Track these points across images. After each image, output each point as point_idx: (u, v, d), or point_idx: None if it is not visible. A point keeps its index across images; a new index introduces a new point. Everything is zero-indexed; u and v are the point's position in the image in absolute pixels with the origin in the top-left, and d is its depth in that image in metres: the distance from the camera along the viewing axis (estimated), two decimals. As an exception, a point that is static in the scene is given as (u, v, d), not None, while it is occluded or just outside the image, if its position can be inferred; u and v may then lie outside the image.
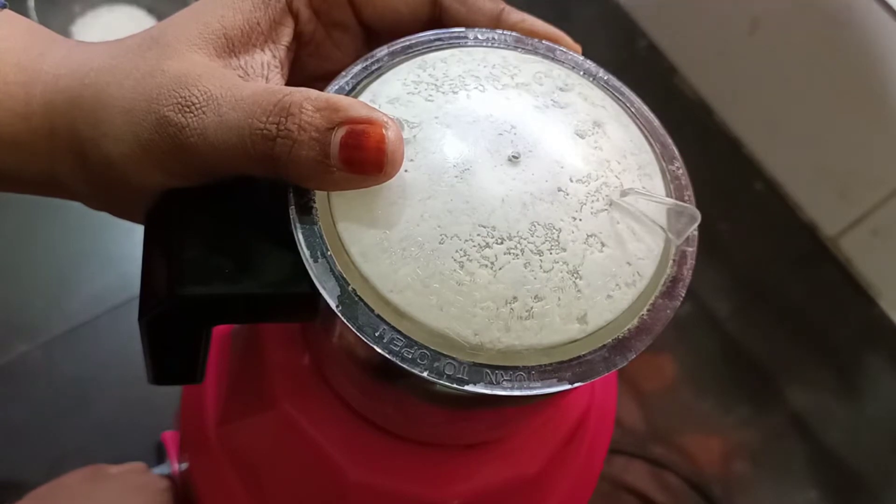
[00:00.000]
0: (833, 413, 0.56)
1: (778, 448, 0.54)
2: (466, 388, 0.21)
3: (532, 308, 0.21)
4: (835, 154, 0.59)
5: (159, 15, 0.59)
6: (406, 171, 0.22)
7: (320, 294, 0.22)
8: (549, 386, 0.22)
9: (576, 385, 0.22)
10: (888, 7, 0.50)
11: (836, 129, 0.58)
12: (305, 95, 0.21)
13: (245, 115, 0.21)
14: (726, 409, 0.55)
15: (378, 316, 0.21)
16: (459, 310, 0.21)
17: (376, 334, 0.21)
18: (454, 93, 0.23)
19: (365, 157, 0.21)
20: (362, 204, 0.22)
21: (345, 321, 0.21)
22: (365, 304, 0.21)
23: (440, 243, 0.21)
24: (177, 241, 0.24)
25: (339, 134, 0.20)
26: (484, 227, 0.21)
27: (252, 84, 0.22)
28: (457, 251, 0.21)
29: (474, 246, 0.21)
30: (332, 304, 0.21)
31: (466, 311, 0.21)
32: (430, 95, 0.23)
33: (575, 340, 0.22)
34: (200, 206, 0.25)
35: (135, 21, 0.59)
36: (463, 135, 0.23)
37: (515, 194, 0.22)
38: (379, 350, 0.21)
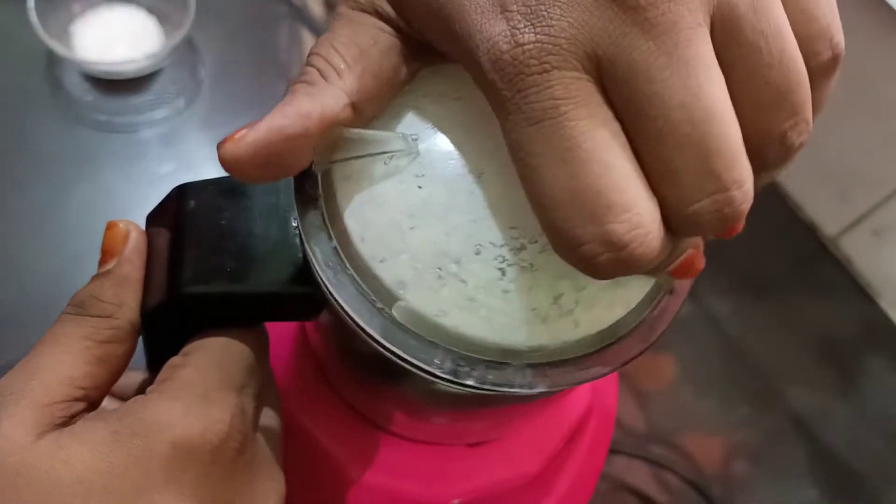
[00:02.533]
0: (833, 413, 0.56)
1: (778, 448, 0.54)
2: (534, 391, 0.21)
3: (577, 299, 0.21)
4: (835, 154, 0.59)
5: (159, 15, 0.59)
6: (420, 187, 0.21)
7: (362, 329, 0.21)
8: (600, 372, 0.21)
9: (624, 365, 0.22)
10: (888, 7, 0.50)
11: (835, 130, 0.58)
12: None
13: None
14: (726, 409, 0.55)
15: (430, 342, 0.21)
16: (509, 317, 0.21)
17: (435, 361, 0.21)
18: (452, 99, 0.23)
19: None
20: (385, 234, 0.21)
21: (394, 354, 0.21)
22: (413, 332, 0.21)
23: (477, 254, 0.21)
24: (177, 240, 0.24)
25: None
26: (514, 228, 0.21)
27: None
28: (495, 259, 0.20)
29: (511, 250, 0.20)
30: (379, 338, 0.21)
31: (516, 317, 0.21)
32: (422, 105, 0.22)
33: (618, 322, 0.22)
34: (201, 206, 0.25)
35: (135, 21, 0.59)
36: (467, 139, 0.22)
37: None
38: (441, 375, 0.20)
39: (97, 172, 0.55)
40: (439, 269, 0.20)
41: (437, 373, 0.20)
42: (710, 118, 0.16)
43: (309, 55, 0.21)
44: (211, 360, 0.23)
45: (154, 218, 0.26)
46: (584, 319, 0.21)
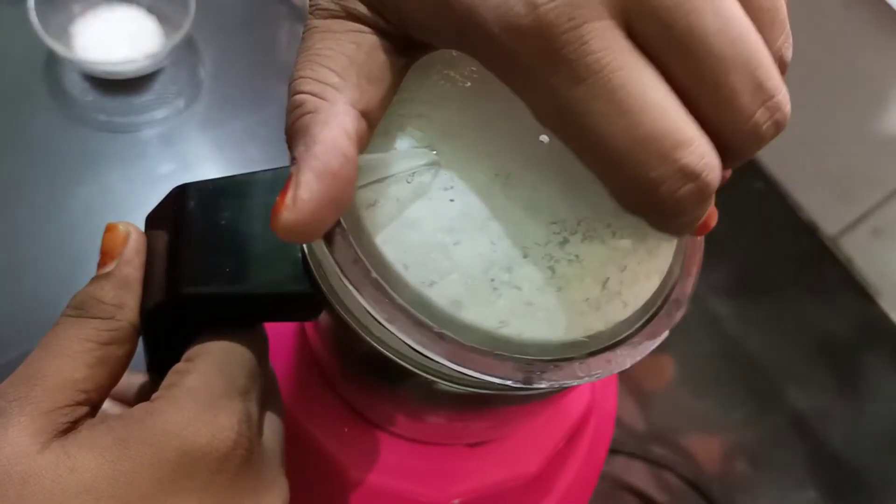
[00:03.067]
0: (833, 413, 0.56)
1: (778, 448, 0.54)
2: (595, 378, 0.21)
3: (621, 280, 0.21)
4: (835, 154, 0.59)
5: (159, 15, 0.59)
6: (452, 200, 0.20)
7: (424, 356, 0.20)
8: (651, 346, 0.22)
9: (669, 331, 0.22)
10: (888, 7, 0.50)
11: (835, 129, 0.58)
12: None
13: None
14: (726, 409, 0.55)
15: (498, 355, 0.20)
16: (567, 314, 0.20)
17: (508, 373, 0.20)
18: (455, 100, 0.22)
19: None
20: (429, 256, 0.20)
21: (466, 376, 0.20)
22: (480, 349, 0.20)
23: (525, 257, 0.20)
24: (177, 241, 0.24)
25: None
26: (554, 223, 0.20)
27: None
28: (543, 258, 0.20)
29: (556, 245, 0.20)
30: (447, 363, 0.20)
31: (573, 311, 0.20)
32: (424, 112, 0.22)
33: (655, 292, 0.22)
34: (201, 206, 0.25)
35: (135, 21, 0.59)
36: (484, 140, 0.21)
37: (567, 177, 0.21)
38: (515, 385, 0.20)
39: (97, 172, 0.55)
40: (492, 280, 0.20)
41: (511, 384, 0.20)
42: (744, 36, 0.17)
43: (294, 81, 0.20)
44: (215, 366, 0.23)
45: (154, 218, 0.26)
46: (630, 297, 0.21)
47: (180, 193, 0.25)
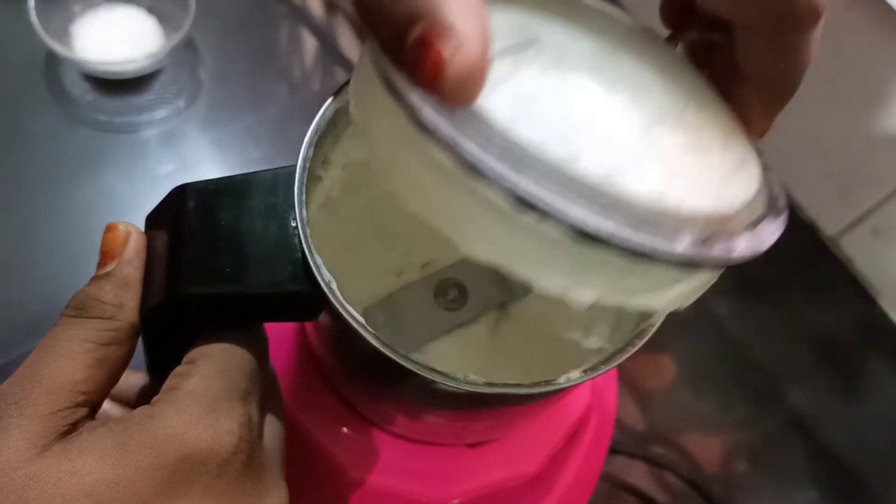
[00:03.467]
0: (833, 413, 0.56)
1: (778, 448, 0.54)
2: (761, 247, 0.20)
3: (744, 143, 0.21)
4: (835, 154, 0.59)
5: (159, 15, 0.59)
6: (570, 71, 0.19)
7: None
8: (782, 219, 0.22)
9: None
10: (888, 7, 0.50)
11: (836, 129, 0.58)
12: None
13: None
14: (726, 409, 0.55)
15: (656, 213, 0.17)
16: (715, 181, 0.20)
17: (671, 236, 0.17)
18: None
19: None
20: (568, 130, 0.18)
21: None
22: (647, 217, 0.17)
23: (661, 122, 0.19)
24: (177, 241, 0.24)
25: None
26: (670, 93, 0.20)
27: None
28: (675, 121, 0.19)
29: (681, 111, 0.20)
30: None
31: (719, 179, 0.20)
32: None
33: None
34: (201, 206, 0.25)
35: (135, 21, 0.59)
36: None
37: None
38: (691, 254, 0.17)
39: (97, 172, 0.55)
40: (637, 145, 0.18)
41: (691, 254, 0.17)
42: None
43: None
44: (216, 368, 0.23)
45: (154, 218, 0.26)
46: (755, 168, 0.22)
47: (180, 194, 0.25)
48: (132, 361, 0.25)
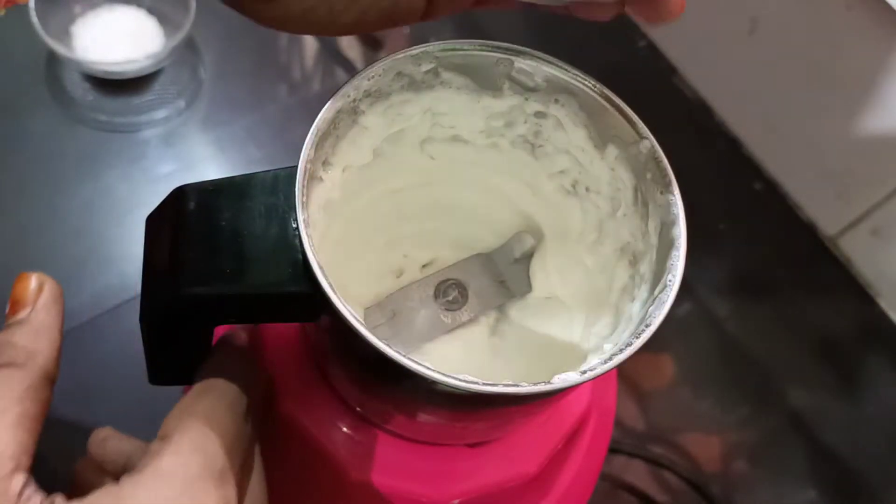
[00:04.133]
0: (833, 413, 0.56)
1: (778, 448, 0.54)
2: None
3: None
4: (835, 154, 0.59)
5: (159, 15, 0.59)
6: None
7: None
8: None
9: None
10: (888, 7, 0.50)
11: (836, 129, 0.58)
12: None
13: None
14: (726, 409, 0.55)
15: None
16: None
17: None
18: None
19: None
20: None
21: None
22: None
23: None
24: (177, 242, 0.24)
25: None
26: None
27: None
28: None
29: None
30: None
31: None
32: None
33: None
34: (201, 207, 0.25)
35: (135, 21, 0.59)
36: None
37: None
38: None
39: (97, 172, 0.55)
40: None
41: None
42: None
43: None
44: (191, 445, 0.22)
45: (154, 219, 0.26)
46: None
47: (180, 194, 0.25)
48: (136, 370, 0.24)
